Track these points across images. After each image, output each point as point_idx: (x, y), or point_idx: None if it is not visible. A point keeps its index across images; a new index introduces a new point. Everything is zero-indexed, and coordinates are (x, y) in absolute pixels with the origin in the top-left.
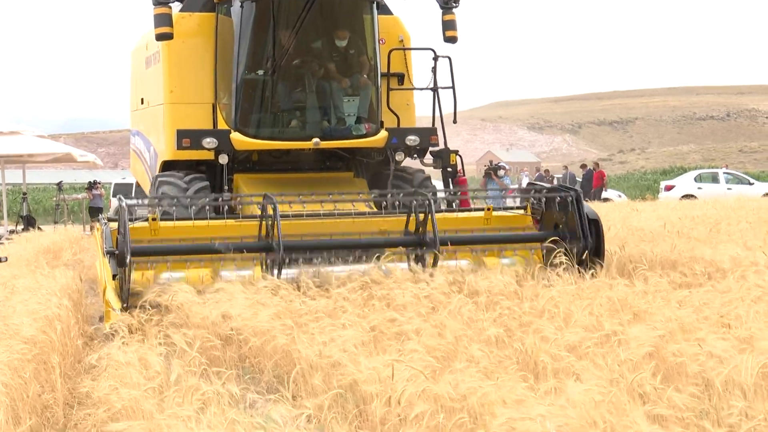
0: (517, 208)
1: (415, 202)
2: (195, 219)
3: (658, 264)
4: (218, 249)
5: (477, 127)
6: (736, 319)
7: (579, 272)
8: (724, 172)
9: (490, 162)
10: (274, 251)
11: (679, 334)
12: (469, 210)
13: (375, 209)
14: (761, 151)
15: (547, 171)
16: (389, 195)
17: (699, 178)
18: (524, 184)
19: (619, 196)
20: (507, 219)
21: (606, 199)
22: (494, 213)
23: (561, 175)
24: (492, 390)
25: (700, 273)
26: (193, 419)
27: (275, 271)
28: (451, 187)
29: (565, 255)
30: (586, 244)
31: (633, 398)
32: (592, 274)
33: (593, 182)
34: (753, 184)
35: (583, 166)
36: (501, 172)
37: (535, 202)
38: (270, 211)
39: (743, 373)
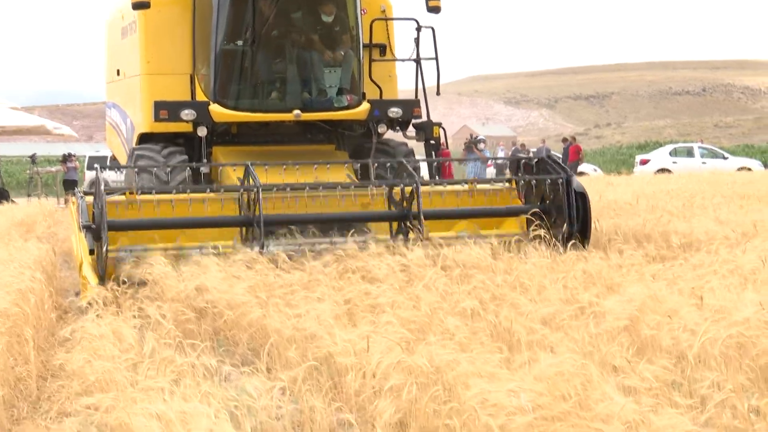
0: (503, 180)
1: (396, 172)
2: (174, 193)
3: (632, 237)
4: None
5: (453, 101)
6: (708, 292)
7: (555, 245)
8: (699, 147)
9: (471, 135)
10: (254, 225)
11: (653, 307)
12: (453, 183)
13: (357, 181)
14: (736, 126)
15: (523, 145)
16: (374, 166)
17: (674, 153)
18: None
19: (595, 170)
20: (492, 194)
21: (581, 173)
22: (478, 186)
23: (536, 149)
24: (466, 362)
25: (674, 246)
26: (167, 391)
27: (256, 247)
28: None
29: (547, 229)
30: (572, 227)
31: (605, 370)
32: (569, 247)
33: (569, 156)
34: (727, 158)
35: (564, 140)
36: (481, 146)
37: (521, 176)
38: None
39: (715, 345)
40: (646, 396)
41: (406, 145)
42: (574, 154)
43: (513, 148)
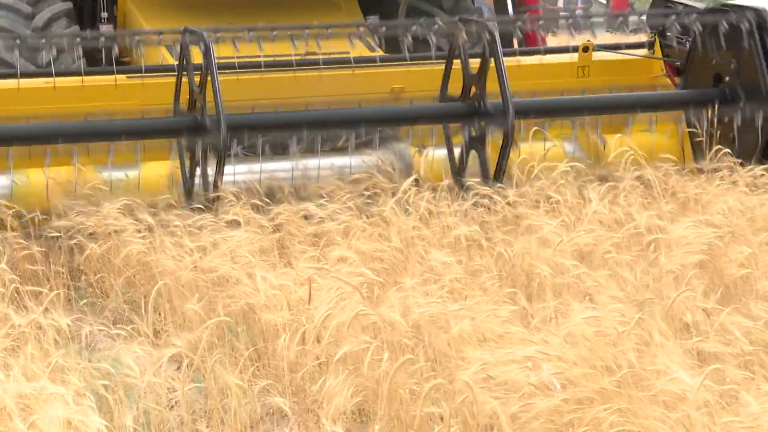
0: (636, 45)
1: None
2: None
3: None
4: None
5: None
6: None
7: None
8: None
9: None
10: (206, 132)
11: (747, 231)
12: (548, 51)
13: (381, 52)
14: None
15: None
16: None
17: None
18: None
19: None
20: (620, 66)
21: None
22: (596, 55)
23: None
24: (461, 318)
25: None
26: None
27: (211, 169)
28: (510, 9)
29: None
30: None
31: (672, 329)
32: None
33: None
34: None
35: None
36: None
37: (674, 34)
38: (197, 59)
39: None
40: (731, 366)
41: None
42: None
43: None
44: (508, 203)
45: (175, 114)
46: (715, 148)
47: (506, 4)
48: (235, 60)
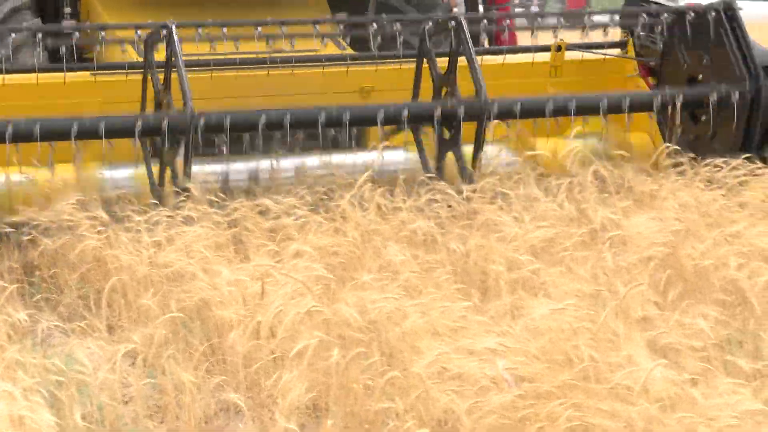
0: (610, 45)
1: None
2: (15, 70)
3: None
4: None
5: None
6: None
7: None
8: None
9: None
10: (174, 132)
11: (703, 227)
12: (519, 50)
13: (349, 50)
14: None
15: None
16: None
17: None
18: None
19: None
20: (593, 66)
21: None
22: (569, 55)
23: None
24: (417, 313)
25: None
26: None
27: (176, 168)
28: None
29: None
30: (749, 141)
31: (629, 323)
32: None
33: None
34: None
35: None
36: None
37: (644, 32)
38: (161, 55)
39: None
40: (691, 358)
41: None
42: None
43: None
44: (465, 198)
45: (142, 112)
46: (672, 147)
47: (477, 3)
48: (203, 58)
